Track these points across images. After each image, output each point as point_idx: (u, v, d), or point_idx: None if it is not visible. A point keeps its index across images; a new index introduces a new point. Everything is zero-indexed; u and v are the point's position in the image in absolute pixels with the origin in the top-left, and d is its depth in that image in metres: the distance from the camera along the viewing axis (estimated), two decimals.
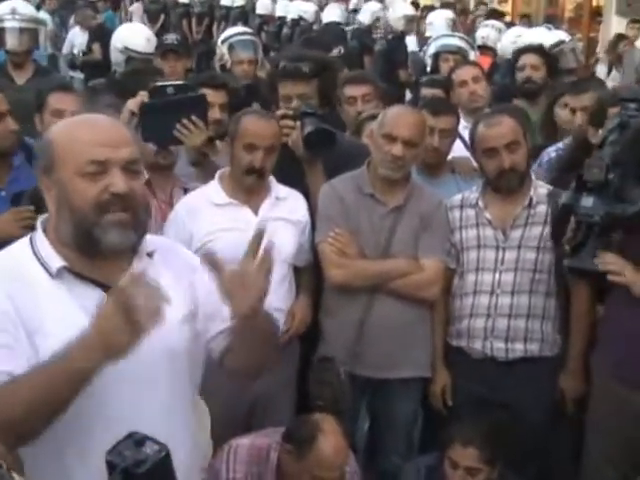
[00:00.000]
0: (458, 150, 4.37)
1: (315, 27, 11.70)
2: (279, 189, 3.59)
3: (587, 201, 3.13)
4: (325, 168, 3.76)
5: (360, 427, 3.94)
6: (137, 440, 1.72)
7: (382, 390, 3.64)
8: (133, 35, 6.69)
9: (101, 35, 9.31)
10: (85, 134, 2.01)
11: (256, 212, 3.51)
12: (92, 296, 1.98)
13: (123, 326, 1.77)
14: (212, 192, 3.55)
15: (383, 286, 3.55)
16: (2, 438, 1.84)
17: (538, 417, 3.53)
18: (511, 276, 3.52)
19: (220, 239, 3.33)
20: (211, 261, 2.02)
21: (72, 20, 11.53)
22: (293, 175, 3.70)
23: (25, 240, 2.10)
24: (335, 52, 7.78)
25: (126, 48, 6.50)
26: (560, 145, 4.38)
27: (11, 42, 5.69)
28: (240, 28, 7.18)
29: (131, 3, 15.19)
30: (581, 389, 3.54)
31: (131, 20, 12.98)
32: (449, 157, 4.23)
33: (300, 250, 3.62)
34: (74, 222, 1.99)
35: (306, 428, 3.03)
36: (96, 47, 9.40)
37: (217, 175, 3.60)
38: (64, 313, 1.96)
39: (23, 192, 3.45)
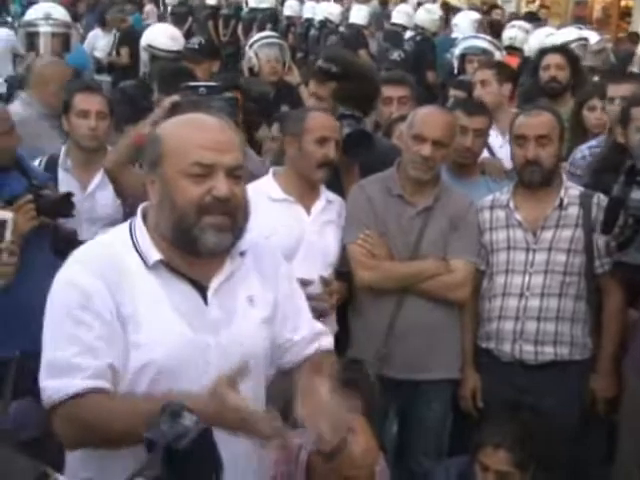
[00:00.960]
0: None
1: (341, 29, 11.68)
2: (328, 193, 3.62)
3: (637, 194, 3.10)
4: (361, 170, 3.75)
5: (389, 429, 3.93)
6: (174, 412, 1.64)
7: (411, 392, 3.63)
8: (156, 33, 6.75)
9: (130, 38, 9.34)
10: (195, 135, 2.04)
11: (308, 212, 3.53)
12: (183, 291, 2.07)
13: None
14: (268, 187, 3.55)
15: (413, 287, 3.55)
16: (84, 440, 1.97)
17: (569, 421, 3.50)
18: (541, 278, 3.50)
19: (277, 234, 3.29)
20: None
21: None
22: (329, 179, 3.70)
23: (125, 228, 2.15)
24: (395, 56, 7.74)
25: (149, 46, 6.54)
26: (594, 142, 4.35)
27: (45, 47, 5.71)
28: (267, 33, 7.23)
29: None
30: (612, 390, 3.51)
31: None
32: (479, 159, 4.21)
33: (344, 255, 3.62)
34: (174, 219, 2.03)
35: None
36: (124, 51, 9.44)
37: (271, 172, 3.62)
38: (155, 306, 2.02)
39: (17, 196, 3.47)
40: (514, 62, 7.35)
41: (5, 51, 7.28)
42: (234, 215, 2.04)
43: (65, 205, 3.61)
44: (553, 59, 5.66)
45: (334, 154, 3.47)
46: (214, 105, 3.40)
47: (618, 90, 4.57)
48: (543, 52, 5.99)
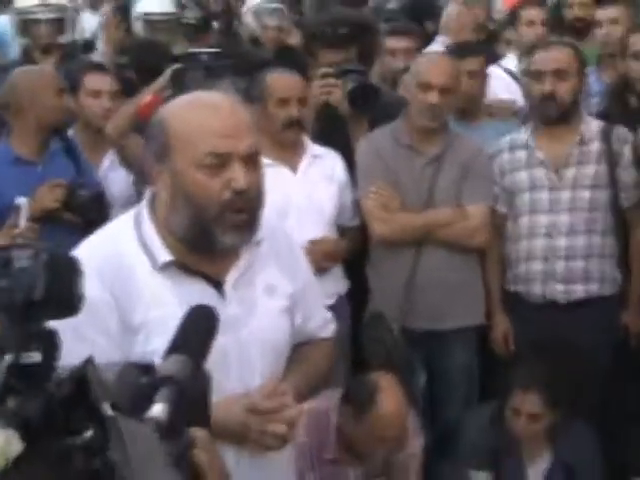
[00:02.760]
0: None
1: None
2: (315, 148, 3.54)
3: None
4: (369, 124, 3.69)
5: (417, 381, 3.89)
6: None
7: (437, 342, 3.58)
8: (145, 1, 6.60)
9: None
10: (206, 121, 1.83)
11: (295, 171, 3.46)
12: (197, 290, 1.88)
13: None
14: None
15: (430, 238, 3.49)
16: None
17: (603, 357, 3.45)
18: (567, 217, 3.43)
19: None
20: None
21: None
22: (336, 135, 3.65)
23: (129, 222, 1.94)
24: (393, 4, 7.59)
25: (144, 14, 6.41)
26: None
27: (42, 32, 5.61)
28: None
29: None
30: None
31: None
32: (486, 101, 4.13)
33: (343, 209, 3.58)
34: (192, 216, 1.84)
35: (365, 388, 2.98)
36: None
37: None
38: (167, 310, 1.81)
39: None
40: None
41: None
42: (252, 208, 1.87)
43: (94, 206, 3.49)
44: None
45: (297, 113, 3.39)
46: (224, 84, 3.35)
47: (605, 13, 4.61)
48: None
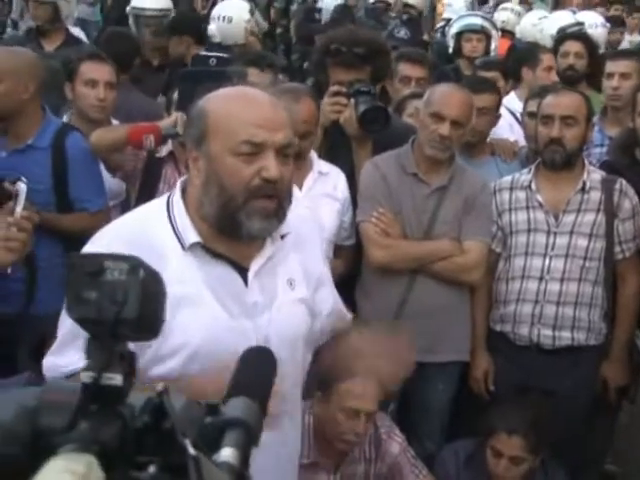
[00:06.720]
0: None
1: (319, 4, 11.45)
2: (321, 164, 3.53)
3: None
4: (374, 148, 3.67)
5: (386, 407, 3.85)
6: None
7: (419, 373, 3.54)
8: None
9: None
10: (244, 111, 1.91)
11: (300, 187, 3.43)
12: (222, 273, 1.97)
13: None
14: None
15: (424, 268, 3.49)
16: None
17: (580, 405, 3.49)
18: (561, 262, 3.46)
19: None
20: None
21: None
22: (341, 153, 3.63)
23: (162, 204, 2.02)
24: (402, 34, 7.65)
25: (133, 8, 6.45)
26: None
27: (31, 13, 5.76)
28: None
29: None
30: (625, 377, 3.51)
31: None
32: (489, 139, 4.15)
33: (340, 228, 3.56)
34: (220, 201, 1.91)
35: (332, 370, 2.94)
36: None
37: None
38: (191, 288, 1.91)
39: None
40: (506, 45, 7.29)
41: None
42: (280, 198, 1.92)
43: None
44: (572, 46, 5.43)
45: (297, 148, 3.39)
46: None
47: (617, 66, 4.63)
48: (562, 38, 5.76)
